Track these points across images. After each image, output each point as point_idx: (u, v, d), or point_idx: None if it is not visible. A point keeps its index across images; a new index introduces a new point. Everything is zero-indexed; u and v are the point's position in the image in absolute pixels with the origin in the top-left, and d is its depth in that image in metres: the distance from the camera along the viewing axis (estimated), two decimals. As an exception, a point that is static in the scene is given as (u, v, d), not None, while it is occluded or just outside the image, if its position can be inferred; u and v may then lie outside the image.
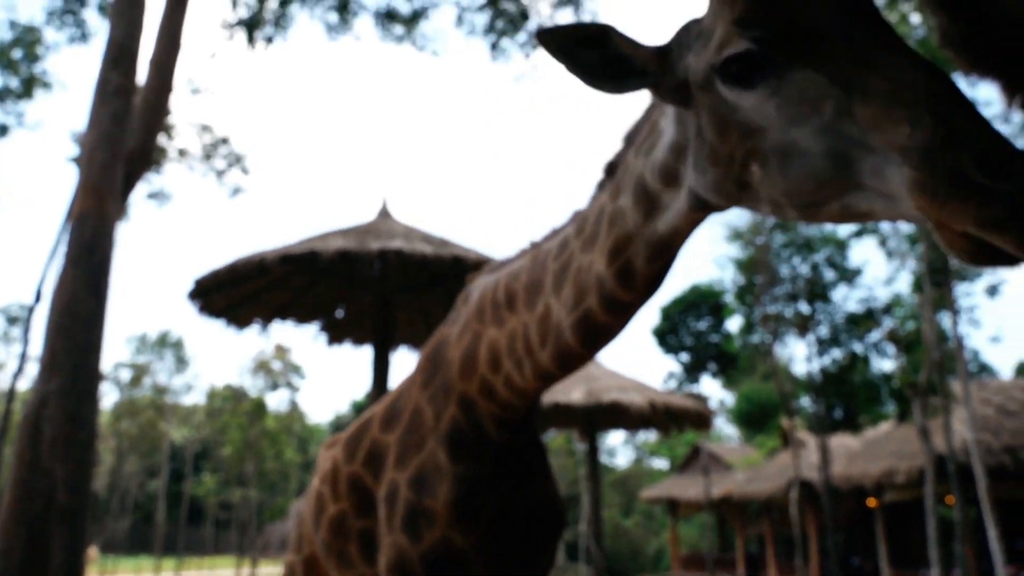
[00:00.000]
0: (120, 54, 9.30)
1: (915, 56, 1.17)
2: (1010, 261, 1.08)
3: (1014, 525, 20.99)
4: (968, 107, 1.08)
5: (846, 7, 1.23)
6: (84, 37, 15.03)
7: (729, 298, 27.84)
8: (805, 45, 1.22)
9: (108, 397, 51.76)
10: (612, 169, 1.85)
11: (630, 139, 1.78)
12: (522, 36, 14.03)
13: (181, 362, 54.42)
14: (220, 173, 21.46)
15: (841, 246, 23.89)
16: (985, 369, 35.43)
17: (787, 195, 1.27)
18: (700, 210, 1.57)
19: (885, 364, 25.22)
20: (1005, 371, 42.07)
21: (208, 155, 21.43)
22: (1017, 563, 19.16)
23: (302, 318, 12.11)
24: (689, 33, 1.43)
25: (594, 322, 1.84)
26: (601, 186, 1.90)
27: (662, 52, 1.45)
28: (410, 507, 2.15)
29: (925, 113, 1.07)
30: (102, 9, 14.72)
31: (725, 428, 51.47)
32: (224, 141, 21.36)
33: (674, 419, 15.88)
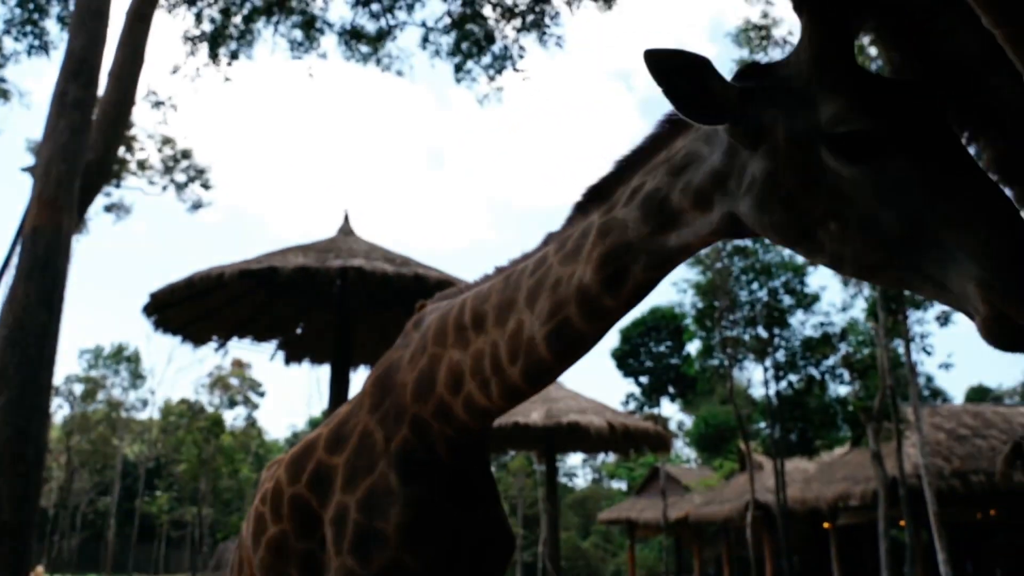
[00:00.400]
0: (80, 66, 9.19)
1: (985, 174, 1.36)
2: None
3: (963, 548, 21.34)
4: None
5: (933, 118, 1.41)
6: (44, 48, 14.83)
7: (689, 322, 28.04)
8: (909, 138, 1.37)
9: (60, 412, 50.70)
10: (597, 192, 1.88)
11: (631, 162, 1.83)
12: (487, 58, 14.10)
13: (137, 377, 53.35)
14: (180, 187, 21.28)
15: (799, 272, 24.24)
16: (937, 394, 36.07)
17: (854, 256, 1.43)
18: (725, 235, 1.67)
19: (841, 389, 25.53)
20: (957, 396, 42.93)
21: (169, 168, 21.25)
22: (966, 586, 19.46)
23: (260, 336, 11.97)
24: (773, 86, 1.52)
25: (570, 330, 1.85)
26: (581, 208, 1.92)
27: (744, 95, 1.53)
28: (360, 529, 2.13)
29: (1005, 227, 1.25)
30: (62, 21, 14.52)
31: (684, 451, 51.76)
32: (185, 155, 21.20)
33: (633, 441, 15.95)
